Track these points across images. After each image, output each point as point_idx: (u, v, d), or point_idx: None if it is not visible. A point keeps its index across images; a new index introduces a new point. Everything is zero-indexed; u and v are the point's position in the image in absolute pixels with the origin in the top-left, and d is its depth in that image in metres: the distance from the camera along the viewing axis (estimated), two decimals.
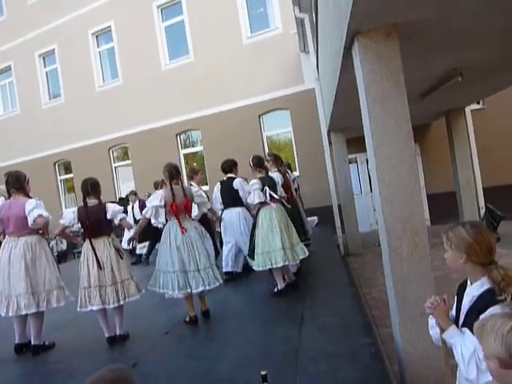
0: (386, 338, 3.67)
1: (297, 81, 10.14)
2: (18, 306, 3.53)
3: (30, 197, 3.77)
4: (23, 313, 3.55)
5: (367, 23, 2.45)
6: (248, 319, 4.05)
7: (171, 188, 3.95)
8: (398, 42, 2.55)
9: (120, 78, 12.36)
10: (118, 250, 3.73)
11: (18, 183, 3.73)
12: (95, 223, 3.65)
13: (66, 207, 13.15)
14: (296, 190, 6.82)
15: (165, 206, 3.92)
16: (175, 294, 3.84)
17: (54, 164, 13.58)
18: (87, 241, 3.70)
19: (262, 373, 1.97)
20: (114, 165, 12.79)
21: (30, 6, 13.55)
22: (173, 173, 4.01)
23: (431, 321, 1.68)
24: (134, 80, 11.91)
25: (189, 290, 3.85)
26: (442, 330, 1.57)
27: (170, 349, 3.53)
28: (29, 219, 3.60)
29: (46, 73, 13.88)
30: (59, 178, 13.71)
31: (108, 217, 3.71)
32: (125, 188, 12.58)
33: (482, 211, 7.76)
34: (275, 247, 4.37)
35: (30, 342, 3.71)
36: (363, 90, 2.61)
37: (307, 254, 4.74)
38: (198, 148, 11.72)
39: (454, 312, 1.63)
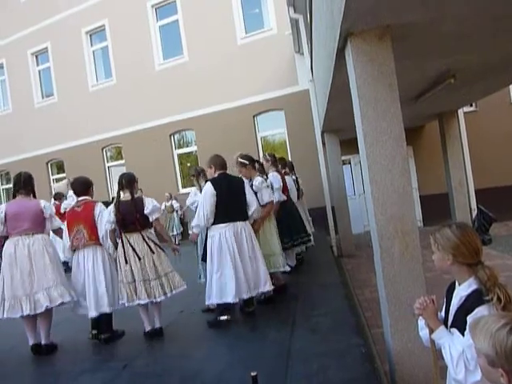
0: (377, 339, 3.68)
1: (291, 82, 10.16)
2: (51, 298, 3.53)
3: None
4: (58, 303, 3.57)
5: (360, 24, 2.45)
6: (240, 320, 4.04)
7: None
8: (391, 44, 2.56)
9: (114, 78, 12.29)
10: (155, 244, 3.73)
11: (29, 184, 3.84)
12: (127, 218, 3.64)
13: None
14: (298, 190, 6.81)
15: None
16: None
17: (47, 163, 13.47)
18: (123, 235, 3.69)
19: (252, 374, 1.97)
20: (107, 164, 12.72)
21: (23, 3, 13.44)
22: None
23: (421, 322, 1.68)
24: (128, 79, 11.85)
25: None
26: (431, 331, 1.57)
27: (160, 349, 3.51)
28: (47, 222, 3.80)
29: (39, 71, 13.77)
30: (52, 177, 13.60)
31: (145, 212, 3.68)
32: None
33: (474, 213, 7.82)
34: (275, 250, 4.30)
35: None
36: (356, 91, 2.62)
37: (283, 268, 4.50)
38: (192, 148, 11.69)
39: (443, 313, 1.64)
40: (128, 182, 3.79)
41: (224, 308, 3.81)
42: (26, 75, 13.59)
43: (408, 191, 2.60)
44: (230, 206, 3.83)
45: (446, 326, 1.56)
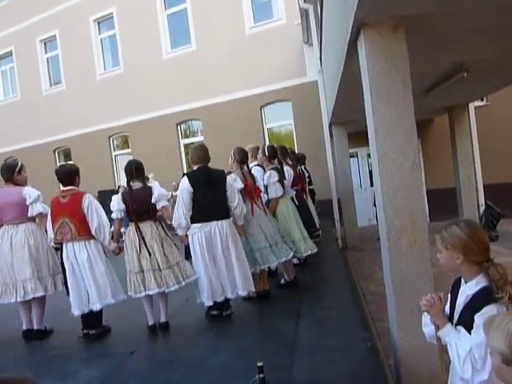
0: (382, 332, 3.69)
1: (299, 73, 10.06)
2: (25, 291, 3.60)
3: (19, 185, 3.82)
4: (30, 297, 3.63)
5: (374, 15, 2.40)
6: (245, 312, 4.06)
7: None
8: (404, 36, 2.51)
9: (121, 66, 12.26)
10: (166, 234, 3.70)
11: (9, 173, 3.79)
12: (141, 207, 3.61)
13: None
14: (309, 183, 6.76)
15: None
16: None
17: (54, 151, 13.54)
18: (132, 225, 3.65)
19: (259, 364, 1.99)
20: (113, 153, 12.76)
21: None
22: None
23: (425, 318, 1.67)
24: (136, 68, 11.82)
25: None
26: (437, 328, 1.56)
27: (167, 339, 3.54)
28: (30, 209, 3.70)
29: (47, 59, 13.76)
30: (59, 165, 13.66)
31: (152, 200, 3.62)
32: (124, 176, 12.58)
33: (482, 208, 7.76)
34: (296, 237, 4.55)
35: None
36: (367, 83, 2.58)
37: (316, 249, 4.84)
38: (199, 138, 11.67)
39: (447, 309, 1.62)
40: (138, 169, 3.77)
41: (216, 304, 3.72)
42: (35, 63, 13.59)
43: (418, 186, 2.57)
44: (205, 204, 3.62)
45: (451, 322, 1.55)
